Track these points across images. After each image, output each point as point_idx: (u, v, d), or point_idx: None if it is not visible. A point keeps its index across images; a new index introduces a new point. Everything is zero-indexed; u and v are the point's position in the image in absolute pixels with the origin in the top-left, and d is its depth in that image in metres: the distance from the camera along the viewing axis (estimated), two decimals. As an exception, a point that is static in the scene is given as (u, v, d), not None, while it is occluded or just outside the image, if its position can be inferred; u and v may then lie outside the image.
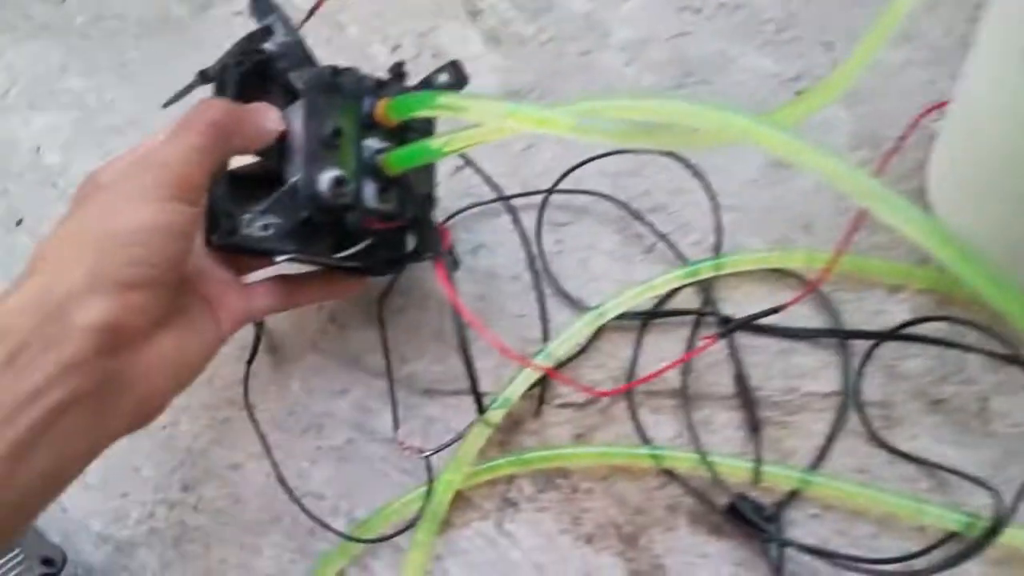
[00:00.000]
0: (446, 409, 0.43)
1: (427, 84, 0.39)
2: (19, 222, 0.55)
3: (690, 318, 0.42)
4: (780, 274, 0.42)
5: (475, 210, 0.47)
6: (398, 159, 0.36)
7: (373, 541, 0.39)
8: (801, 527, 0.36)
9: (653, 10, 0.51)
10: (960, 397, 0.37)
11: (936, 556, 0.33)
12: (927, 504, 0.34)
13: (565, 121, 0.29)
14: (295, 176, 0.36)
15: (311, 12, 0.40)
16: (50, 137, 0.57)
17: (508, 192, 0.47)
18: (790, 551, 0.35)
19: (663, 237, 0.44)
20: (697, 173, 0.44)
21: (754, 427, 0.38)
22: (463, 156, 0.48)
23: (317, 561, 0.40)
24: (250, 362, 0.44)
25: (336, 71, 0.35)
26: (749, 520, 0.35)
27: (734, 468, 0.37)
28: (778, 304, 0.40)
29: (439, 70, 0.39)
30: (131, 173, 0.32)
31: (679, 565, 0.37)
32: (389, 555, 0.40)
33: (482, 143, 0.34)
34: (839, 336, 0.40)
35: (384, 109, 0.36)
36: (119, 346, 0.30)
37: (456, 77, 0.39)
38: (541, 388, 0.42)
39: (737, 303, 0.42)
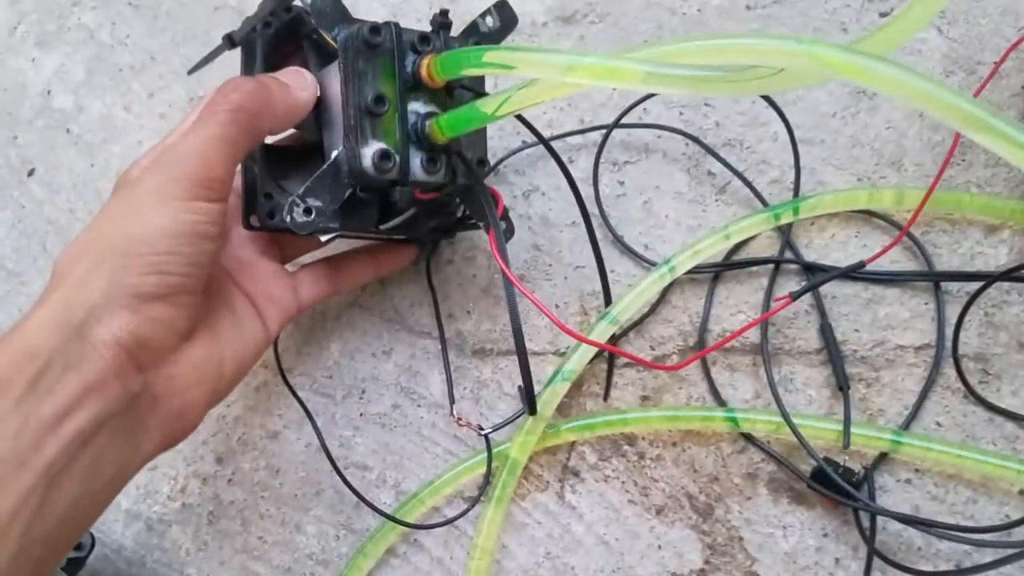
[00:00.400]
0: (497, 371, 0.41)
1: (473, 30, 0.36)
2: (31, 172, 0.53)
3: (768, 265, 0.40)
4: (867, 214, 0.40)
5: (527, 153, 0.45)
6: (448, 125, 0.33)
7: (425, 527, 0.39)
8: (892, 493, 0.35)
9: (719, -80, 0.48)
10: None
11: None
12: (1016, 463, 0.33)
13: (635, 71, 0.26)
14: (336, 149, 0.34)
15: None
16: (61, 78, 0.54)
17: (565, 129, 0.45)
18: (881, 519, 0.35)
19: (738, 175, 0.41)
20: (773, 104, 0.41)
21: (841, 385, 0.37)
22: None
23: (364, 539, 0.39)
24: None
25: (375, 28, 0.33)
26: (837, 486, 0.34)
27: (819, 431, 0.36)
28: (866, 251, 0.38)
29: (485, 12, 0.37)
30: (151, 171, 0.31)
31: (759, 537, 0.36)
32: (442, 530, 0.39)
33: (543, 102, 0.32)
34: (933, 280, 0.38)
35: (429, 68, 0.33)
36: (144, 362, 0.29)
37: (504, 18, 0.37)
38: (609, 359, 0.40)
39: (821, 248, 0.40)
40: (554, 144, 0.44)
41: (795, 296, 0.36)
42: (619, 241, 0.42)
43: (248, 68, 0.36)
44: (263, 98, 0.32)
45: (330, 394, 0.43)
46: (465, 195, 0.37)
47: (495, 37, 0.37)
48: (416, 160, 0.35)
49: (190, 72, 0.41)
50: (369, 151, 0.33)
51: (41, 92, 0.55)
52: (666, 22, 0.46)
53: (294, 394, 0.41)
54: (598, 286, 0.42)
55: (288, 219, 0.34)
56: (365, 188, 0.35)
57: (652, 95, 0.44)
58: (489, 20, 0.37)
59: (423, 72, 0.34)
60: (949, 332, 0.37)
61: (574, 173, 0.44)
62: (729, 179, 0.42)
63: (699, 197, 0.42)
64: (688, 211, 0.42)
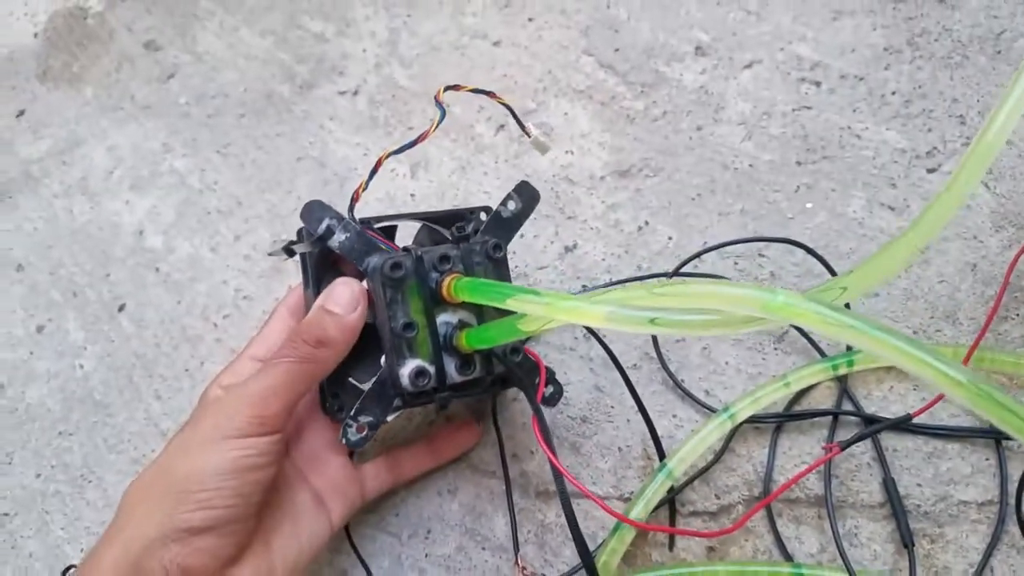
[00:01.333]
0: (562, 515, 0.46)
1: (497, 219, 0.44)
2: (121, 307, 0.62)
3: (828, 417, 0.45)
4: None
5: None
6: (473, 340, 0.40)
7: None
8: (967, 656, 0.38)
9: (771, 83, 0.56)
10: None
11: None
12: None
13: (598, 313, 0.32)
14: (384, 355, 0.41)
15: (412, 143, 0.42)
16: (152, 220, 0.64)
17: (622, 275, 0.51)
18: None
19: (797, 327, 0.47)
20: (823, 262, 0.47)
21: (906, 543, 0.40)
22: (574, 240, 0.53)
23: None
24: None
25: (396, 264, 0.40)
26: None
27: (885, 587, 0.39)
28: (921, 403, 0.42)
29: (507, 198, 0.44)
30: (215, 408, 0.38)
31: None
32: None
33: (563, 324, 0.37)
34: (994, 437, 0.42)
35: (449, 291, 0.40)
36: None
37: (525, 199, 0.44)
38: (670, 508, 0.44)
39: (880, 400, 0.45)
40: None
41: (844, 446, 0.40)
42: (679, 386, 0.47)
43: (304, 276, 0.44)
44: (330, 347, 0.39)
45: (396, 534, 0.48)
46: (507, 377, 0.43)
47: (519, 217, 0.44)
48: (451, 366, 0.41)
49: (269, 254, 0.49)
50: (406, 370, 0.40)
51: (133, 232, 0.65)
52: (719, 177, 0.54)
53: (353, 546, 0.47)
54: (662, 429, 0.47)
55: (344, 440, 0.41)
56: (409, 397, 0.41)
57: (712, 249, 0.50)
58: (511, 204, 0.44)
59: (443, 292, 0.40)
60: (1012, 488, 0.40)
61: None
62: (787, 328, 0.47)
63: (758, 345, 0.48)
64: (747, 358, 0.48)
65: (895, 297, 0.47)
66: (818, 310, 0.27)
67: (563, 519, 0.46)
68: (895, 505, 0.41)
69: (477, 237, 0.43)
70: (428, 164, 0.61)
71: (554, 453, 0.38)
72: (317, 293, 0.42)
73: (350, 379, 0.44)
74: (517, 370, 0.42)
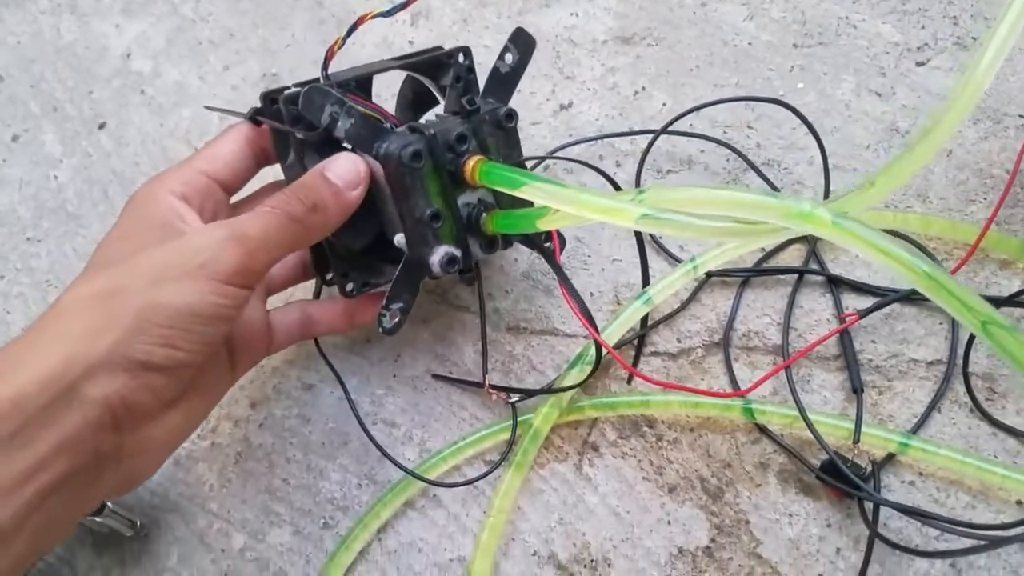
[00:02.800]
0: (529, 348, 0.47)
1: (495, 75, 0.42)
2: (102, 125, 0.60)
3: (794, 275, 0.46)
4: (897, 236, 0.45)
5: (577, 151, 0.51)
6: (499, 225, 0.39)
7: (446, 484, 0.43)
8: (896, 493, 0.40)
9: (775, -35, 0.55)
10: (1073, 377, 0.41)
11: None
12: (1015, 473, 0.37)
13: (631, 212, 0.32)
14: (396, 234, 0.40)
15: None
16: (141, 45, 0.62)
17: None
18: (883, 516, 0.39)
19: (777, 191, 0.47)
20: (813, 132, 0.47)
21: (855, 388, 0.41)
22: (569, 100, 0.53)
23: (386, 489, 0.43)
24: (317, 295, 0.48)
25: (416, 153, 0.37)
26: (845, 478, 0.38)
27: (832, 427, 0.40)
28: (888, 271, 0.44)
29: (503, 51, 0.42)
30: (201, 239, 0.34)
31: (765, 522, 0.40)
32: (461, 488, 0.43)
33: (583, 223, 0.37)
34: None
35: (473, 175, 0.38)
36: (124, 423, 0.32)
37: (521, 48, 0.42)
38: (638, 343, 0.45)
39: (846, 264, 0.46)
40: (603, 148, 0.50)
41: (863, 314, 0.42)
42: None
43: (281, 154, 0.41)
44: (323, 215, 0.36)
45: (366, 356, 0.48)
46: (525, 242, 0.43)
47: (518, 70, 0.42)
48: (476, 247, 0.41)
49: (207, 107, 0.45)
50: (436, 258, 0.39)
51: (121, 55, 0.63)
52: (717, 52, 0.53)
53: (323, 356, 0.46)
54: (633, 278, 0.47)
55: (380, 329, 0.40)
56: (439, 278, 0.41)
57: (703, 107, 0.50)
58: (508, 57, 0.42)
59: (467, 176, 0.38)
60: (961, 350, 0.42)
61: (620, 177, 0.50)
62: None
63: (735, 209, 0.48)
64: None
65: (871, 173, 0.48)
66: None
67: (529, 351, 0.47)
68: (848, 356, 0.42)
69: (483, 105, 0.41)
70: (430, 13, 0.59)
71: (586, 314, 0.38)
72: (304, 172, 0.39)
73: (343, 241, 0.42)
74: (537, 238, 0.41)
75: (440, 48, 0.44)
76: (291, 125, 0.39)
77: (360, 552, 0.42)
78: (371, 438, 0.44)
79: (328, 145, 0.40)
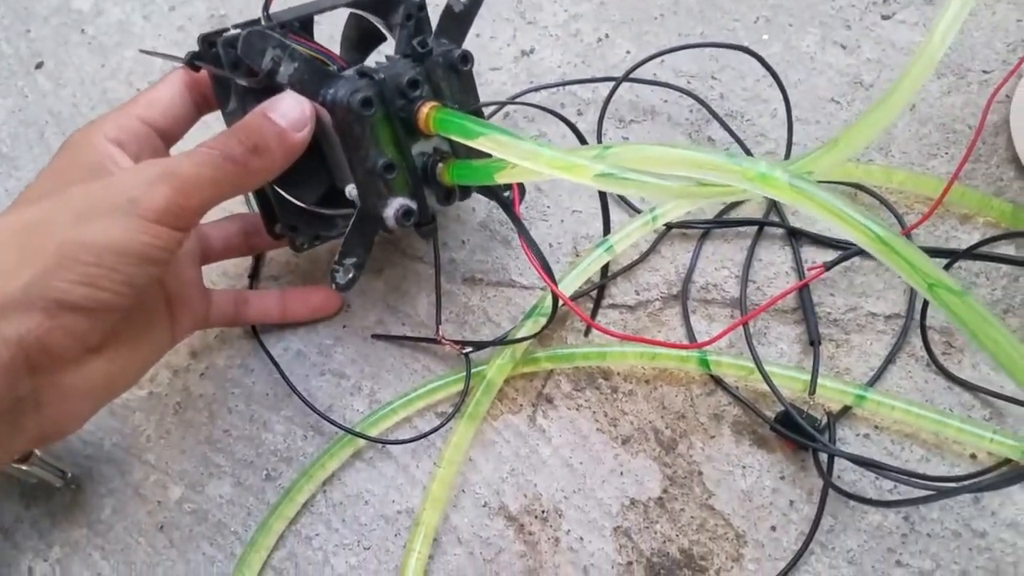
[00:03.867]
0: (485, 299, 0.45)
1: (448, 14, 0.39)
2: (39, 65, 0.56)
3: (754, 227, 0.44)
4: (856, 188, 0.44)
5: (538, 98, 0.49)
6: (456, 176, 0.37)
7: (392, 442, 0.41)
8: (850, 446, 0.39)
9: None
10: (1023, 332, 0.40)
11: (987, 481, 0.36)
12: (987, 428, 0.37)
13: (589, 169, 0.31)
14: (347, 184, 0.37)
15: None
16: (82, -19, 0.58)
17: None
18: (837, 469, 0.38)
19: (738, 141, 0.46)
20: (780, 84, 0.46)
21: (812, 340, 0.40)
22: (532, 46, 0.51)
23: (332, 441, 0.42)
24: (252, 276, 0.46)
25: (366, 100, 0.34)
26: (799, 429, 0.37)
27: (787, 379, 0.39)
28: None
29: None
30: (130, 176, 0.31)
31: (718, 474, 0.39)
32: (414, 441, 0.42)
33: (543, 178, 0.35)
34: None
35: (427, 124, 0.36)
36: (40, 367, 0.30)
37: None
38: (597, 294, 0.44)
39: (806, 217, 0.44)
40: (565, 96, 0.48)
41: (829, 266, 0.40)
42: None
43: (221, 98, 0.38)
44: (265, 158, 0.34)
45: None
46: (484, 191, 0.41)
47: (471, 9, 0.40)
48: (432, 199, 0.39)
49: (143, 51, 0.42)
50: (391, 211, 0.37)
51: (62, -8, 0.59)
52: (683, 0, 0.52)
53: (255, 333, 0.44)
54: (592, 230, 0.46)
55: (333, 285, 0.38)
56: (394, 231, 0.39)
57: (662, 54, 0.48)
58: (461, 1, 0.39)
59: (420, 125, 0.36)
60: (919, 305, 0.41)
61: (581, 126, 0.48)
62: (728, 146, 0.47)
63: (697, 160, 0.47)
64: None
65: (835, 127, 0.47)
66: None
67: (485, 303, 0.45)
68: (806, 309, 0.41)
69: (436, 46, 0.38)
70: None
71: (544, 266, 0.36)
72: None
73: (285, 194, 0.40)
74: (496, 188, 0.39)
75: None
76: (230, 70, 0.36)
77: (304, 504, 0.41)
78: (303, 399, 0.42)
79: (271, 91, 0.36)
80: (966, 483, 0.33)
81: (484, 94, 0.50)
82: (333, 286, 0.39)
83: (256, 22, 0.37)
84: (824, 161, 0.36)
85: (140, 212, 0.30)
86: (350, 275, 0.39)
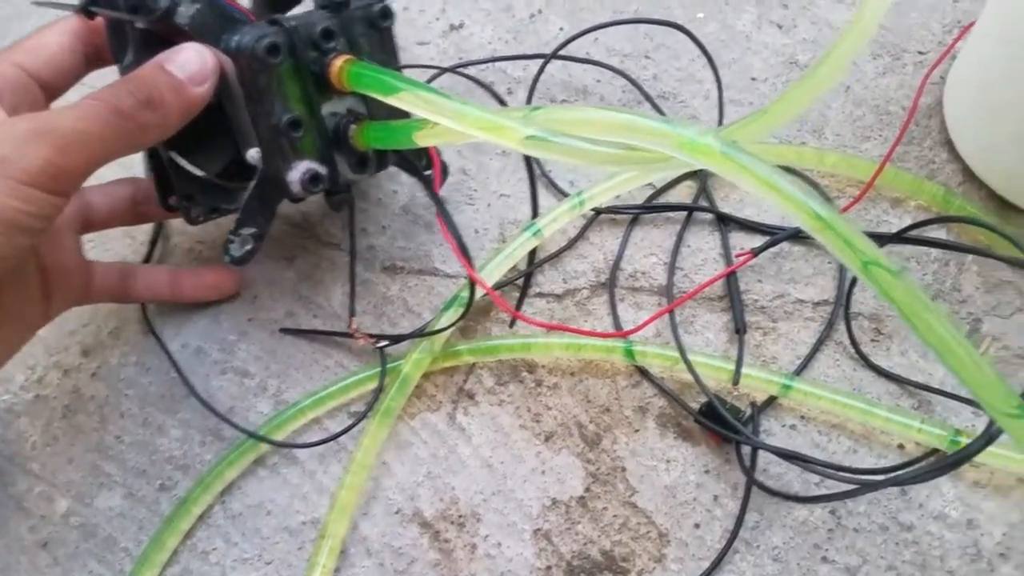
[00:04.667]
0: (405, 289, 0.42)
1: None
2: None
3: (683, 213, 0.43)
4: (786, 172, 0.43)
5: (466, 74, 0.47)
6: (370, 139, 0.35)
7: (296, 447, 0.38)
8: (776, 437, 0.38)
9: None
10: (953, 317, 0.40)
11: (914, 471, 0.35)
12: (915, 418, 0.36)
13: (518, 132, 0.29)
14: (250, 148, 0.34)
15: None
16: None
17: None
18: (763, 462, 0.37)
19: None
20: (712, 64, 0.44)
21: (738, 329, 0.39)
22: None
23: (231, 447, 0.39)
24: (147, 259, 0.42)
25: (272, 47, 0.32)
26: (723, 421, 0.36)
27: (713, 369, 0.38)
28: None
29: None
30: (5, 132, 0.28)
31: (642, 469, 0.38)
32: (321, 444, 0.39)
33: (463, 141, 0.33)
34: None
35: (340, 78, 0.33)
36: None
37: None
38: (523, 283, 0.42)
39: (735, 202, 0.43)
40: (494, 74, 0.46)
41: (757, 252, 0.39)
42: (544, 175, 0.44)
43: (116, 48, 0.35)
44: (159, 112, 0.31)
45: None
46: (400, 163, 0.38)
47: None
48: (344, 165, 0.35)
49: (33, 2, 0.39)
50: (296, 175, 0.34)
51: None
52: (617, -27, 0.49)
53: (151, 328, 0.41)
54: (520, 215, 0.43)
55: (227, 257, 0.35)
56: (299, 199, 0.36)
57: (592, 29, 0.46)
58: None
59: (333, 79, 0.33)
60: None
61: (512, 104, 0.46)
62: (658, 128, 0.45)
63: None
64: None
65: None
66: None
67: (405, 293, 0.42)
68: (733, 296, 0.40)
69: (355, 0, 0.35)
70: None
71: (463, 249, 0.35)
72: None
73: (182, 163, 0.37)
74: (416, 162, 0.37)
75: None
76: (128, 13, 0.33)
77: (201, 516, 0.38)
78: (201, 400, 0.39)
79: (172, 44, 0.33)
80: (890, 476, 0.32)
81: (411, 69, 0.48)
82: (227, 259, 0.36)
83: None
84: (751, 130, 0.34)
85: (11, 173, 0.27)
86: (247, 247, 0.36)
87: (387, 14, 0.35)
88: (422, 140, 0.33)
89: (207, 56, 0.33)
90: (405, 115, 0.34)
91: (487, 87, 0.44)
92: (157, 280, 0.40)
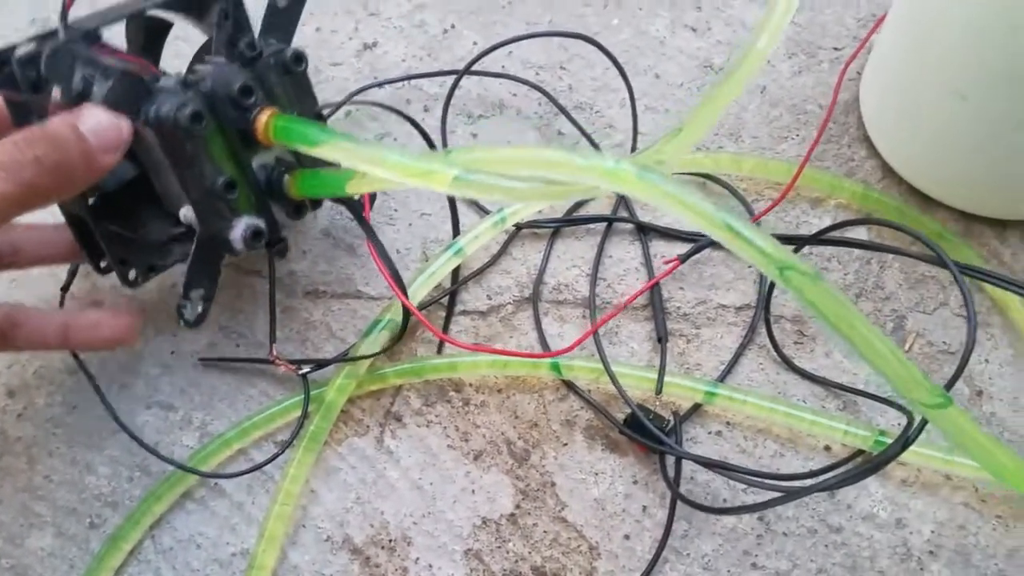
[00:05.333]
0: (328, 314, 0.42)
1: (272, 10, 0.36)
2: None
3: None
4: (706, 179, 0.43)
5: (382, 95, 0.47)
6: (304, 189, 0.35)
7: (218, 477, 0.38)
8: (703, 444, 0.38)
9: None
10: (876, 314, 0.40)
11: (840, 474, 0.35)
12: (843, 420, 0.36)
13: (445, 175, 0.29)
14: (182, 208, 0.34)
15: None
16: None
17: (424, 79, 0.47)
18: (689, 470, 0.37)
19: (586, 135, 0.44)
20: (623, 74, 0.44)
21: (660, 337, 0.39)
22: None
23: (158, 482, 0.38)
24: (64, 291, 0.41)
25: (196, 115, 0.32)
26: (647, 432, 0.36)
27: (637, 379, 0.38)
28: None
29: None
30: None
31: (571, 483, 0.38)
32: (246, 474, 0.39)
33: (398, 187, 0.33)
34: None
35: (266, 134, 0.33)
36: None
37: None
38: (448, 305, 0.42)
39: (654, 210, 0.43)
40: (410, 92, 0.46)
41: (684, 258, 0.39)
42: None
43: (21, 122, 0.33)
44: (65, 180, 0.30)
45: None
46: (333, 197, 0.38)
47: (298, 3, 0.37)
48: (281, 214, 0.36)
49: None
50: (238, 233, 0.34)
51: None
52: (533, -14, 0.50)
53: (76, 358, 0.40)
54: (441, 234, 0.43)
55: (182, 323, 0.36)
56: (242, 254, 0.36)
57: (512, 41, 0.46)
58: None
59: (259, 135, 0.33)
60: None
61: (429, 122, 0.46)
62: (578, 139, 0.45)
63: (550, 155, 0.45)
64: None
65: (685, 113, 0.45)
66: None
67: (328, 317, 0.42)
68: (655, 305, 0.40)
69: (265, 47, 0.35)
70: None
71: (395, 276, 0.35)
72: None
73: (111, 227, 0.36)
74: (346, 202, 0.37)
75: None
76: (33, 92, 0.32)
77: (131, 552, 0.37)
78: (129, 432, 0.38)
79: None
80: (814, 482, 0.32)
81: (326, 91, 0.47)
82: (182, 323, 0.36)
83: (52, 35, 0.33)
84: (668, 150, 0.35)
85: None
86: (199, 309, 0.36)
87: (300, 59, 0.35)
88: (355, 188, 0.34)
89: (124, 126, 0.32)
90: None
91: (399, 111, 0.43)
92: (45, 328, 0.37)
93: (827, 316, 0.26)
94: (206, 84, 0.32)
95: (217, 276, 0.37)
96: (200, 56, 0.38)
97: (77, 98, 0.31)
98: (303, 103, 0.36)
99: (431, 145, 0.44)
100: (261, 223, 0.35)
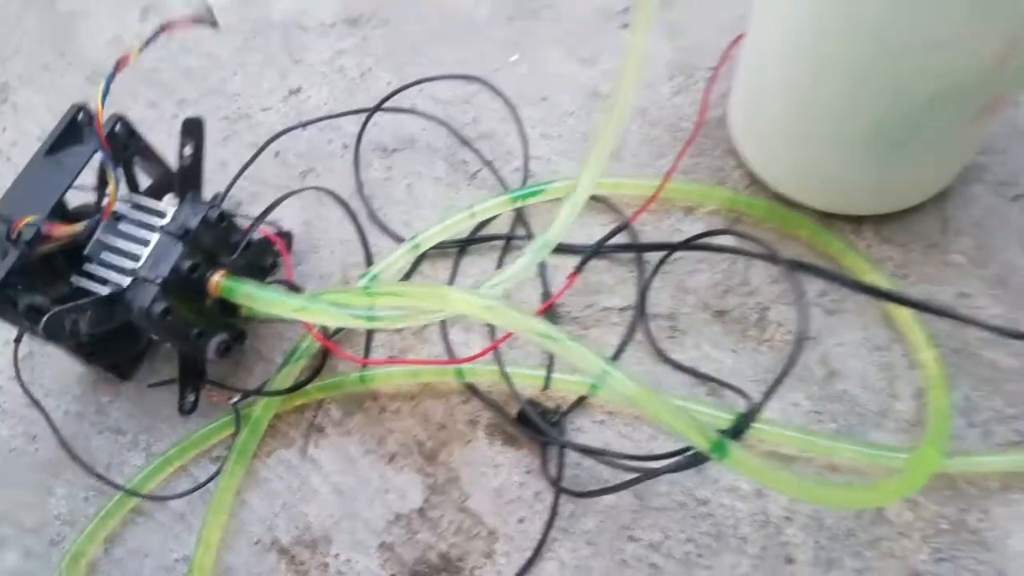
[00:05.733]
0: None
1: (182, 171, 0.43)
2: None
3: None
4: (592, 199, 0.47)
5: (306, 135, 0.52)
6: (255, 313, 0.42)
7: (156, 499, 0.43)
8: (588, 432, 0.42)
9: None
10: (742, 308, 0.44)
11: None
12: (692, 404, 0.40)
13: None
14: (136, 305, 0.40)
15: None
16: None
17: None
18: (575, 457, 0.41)
19: (486, 163, 0.49)
20: (509, 105, 0.49)
21: (552, 341, 0.43)
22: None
23: (108, 500, 0.42)
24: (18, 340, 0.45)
25: (166, 310, 0.39)
26: (535, 425, 0.40)
27: (531, 378, 0.42)
28: (588, 229, 0.46)
29: (181, 145, 0.43)
30: None
31: (473, 475, 0.42)
32: (188, 487, 0.43)
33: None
34: (635, 251, 0.46)
35: (216, 291, 0.41)
36: None
37: (195, 135, 0.43)
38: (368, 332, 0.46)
39: (547, 226, 0.47)
40: (332, 131, 0.52)
41: (577, 269, 0.45)
42: (374, 218, 0.49)
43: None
44: None
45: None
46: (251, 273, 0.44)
47: (198, 155, 0.43)
48: (237, 320, 0.44)
49: None
50: (211, 350, 0.42)
51: None
52: (438, 28, 0.55)
53: (29, 395, 0.44)
54: (360, 258, 0.48)
55: (182, 414, 0.44)
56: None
57: (420, 82, 0.52)
58: (187, 150, 0.43)
59: (211, 291, 0.41)
60: (646, 298, 0.44)
61: (347, 158, 0.51)
62: (481, 167, 0.50)
63: (454, 182, 0.50)
64: (444, 194, 0.50)
65: (574, 139, 0.50)
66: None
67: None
68: (547, 309, 0.44)
69: (191, 211, 0.41)
70: (161, 8, 0.58)
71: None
72: None
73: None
74: (264, 264, 0.47)
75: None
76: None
77: (89, 565, 0.42)
78: (83, 464, 0.42)
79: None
80: (660, 464, 0.36)
81: (256, 133, 0.52)
82: (182, 414, 0.44)
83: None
84: (571, 204, 0.41)
85: None
86: (193, 398, 0.45)
87: (222, 217, 0.42)
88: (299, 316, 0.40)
89: None
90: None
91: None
92: None
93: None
94: (160, 277, 0.39)
95: (203, 374, 0.44)
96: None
97: (72, 337, 0.39)
98: (229, 239, 0.44)
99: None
100: (226, 336, 0.42)
